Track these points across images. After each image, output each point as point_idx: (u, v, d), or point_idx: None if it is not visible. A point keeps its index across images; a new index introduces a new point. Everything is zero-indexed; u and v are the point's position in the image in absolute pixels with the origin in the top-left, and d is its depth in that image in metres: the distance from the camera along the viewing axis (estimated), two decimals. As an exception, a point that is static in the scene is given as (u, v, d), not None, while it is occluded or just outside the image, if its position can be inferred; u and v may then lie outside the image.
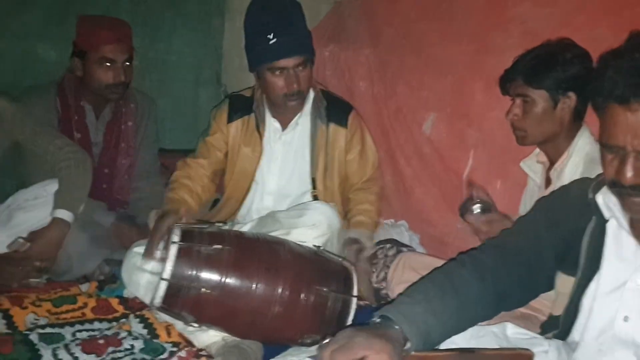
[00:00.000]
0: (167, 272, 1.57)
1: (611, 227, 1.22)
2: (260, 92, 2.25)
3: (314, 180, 2.28)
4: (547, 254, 1.31)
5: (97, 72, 2.27)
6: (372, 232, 2.27)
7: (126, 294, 2.03)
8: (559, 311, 1.34)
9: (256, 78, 2.19)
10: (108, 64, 2.26)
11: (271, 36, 2.03)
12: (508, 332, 1.33)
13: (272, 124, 2.28)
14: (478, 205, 1.78)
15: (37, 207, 2.09)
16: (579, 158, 1.72)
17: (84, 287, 2.09)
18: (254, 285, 1.61)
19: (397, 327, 1.11)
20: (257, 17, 2.13)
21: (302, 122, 2.27)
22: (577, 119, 1.77)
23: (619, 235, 1.21)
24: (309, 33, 2.17)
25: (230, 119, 2.26)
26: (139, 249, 1.93)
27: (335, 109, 2.28)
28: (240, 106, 2.27)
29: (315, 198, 2.29)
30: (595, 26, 1.91)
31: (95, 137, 2.40)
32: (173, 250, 1.58)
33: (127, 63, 2.30)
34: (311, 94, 2.26)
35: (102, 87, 2.29)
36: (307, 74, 2.13)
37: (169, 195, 2.15)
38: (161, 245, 1.83)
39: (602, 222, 1.23)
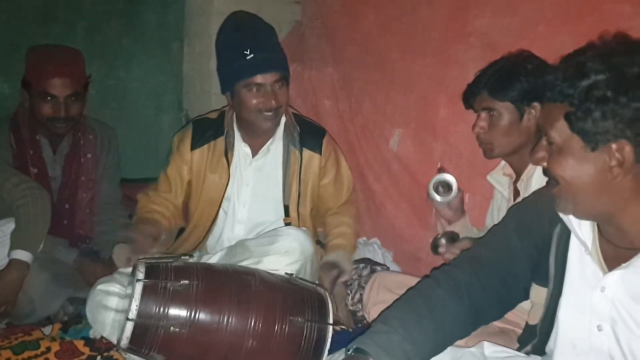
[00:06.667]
0: (133, 312, 1.50)
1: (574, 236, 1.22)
2: (231, 114, 2.18)
3: (286, 208, 2.22)
4: (522, 264, 1.31)
5: (38, 105, 2.19)
6: (350, 255, 2.22)
7: (92, 334, 1.94)
8: (534, 320, 1.34)
9: (229, 99, 2.12)
10: (49, 97, 2.17)
11: (248, 52, 1.99)
12: (486, 352, 1.33)
13: (242, 149, 2.21)
14: (443, 238, 1.81)
15: (-7, 248, 2.01)
16: (545, 168, 1.72)
17: (47, 330, 1.99)
18: (225, 320, 1.55)
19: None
20: (231, 37, 2.08)
21: (274, 148, 2.21)
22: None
23: (579, 244, 1.21)
24: (284, 52, 2.13)
25: (194, 146, 2.18)
26: (104, 287, 1.86)
27: (308, 134, 2.23)
28: (206, 131, 2.20)
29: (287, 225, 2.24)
30: (555, 35, 1.93)
31: (53, 171, 2.31)
32: (138, 288, 1.52)
33: (73, 97, 2.21)
34: (283, 119, 2.20)
35: (43, 120, 2.21)
36: (285, 92, 2.09)
37: (139, 216, 2.09)
38: (126, 281, 1.76)
39: (568, 230, 1.23)
